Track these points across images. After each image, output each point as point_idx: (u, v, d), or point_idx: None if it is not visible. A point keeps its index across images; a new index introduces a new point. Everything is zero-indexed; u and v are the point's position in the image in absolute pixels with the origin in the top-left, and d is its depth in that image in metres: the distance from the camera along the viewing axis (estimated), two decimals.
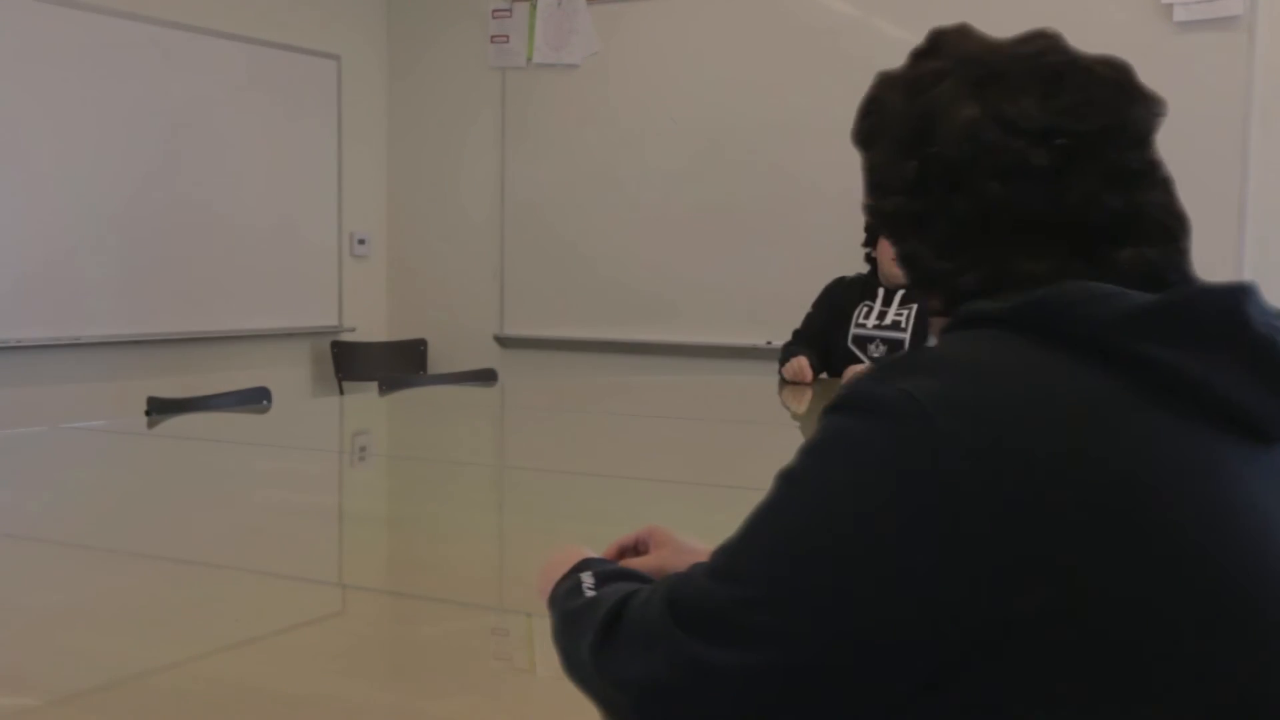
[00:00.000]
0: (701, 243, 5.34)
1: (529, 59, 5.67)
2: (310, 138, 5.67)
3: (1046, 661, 0.73)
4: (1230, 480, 0.79)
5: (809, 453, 0.84)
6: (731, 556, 0.87)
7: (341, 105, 5.80)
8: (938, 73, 1.03)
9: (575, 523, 1.87)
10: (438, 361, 5.97)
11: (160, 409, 3.05)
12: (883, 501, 0.77)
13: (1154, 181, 0.92)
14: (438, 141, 5.97)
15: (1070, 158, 0.90)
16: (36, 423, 3.01)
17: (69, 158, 4.73)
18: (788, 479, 0.86)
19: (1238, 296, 0.82)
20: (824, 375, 4.13)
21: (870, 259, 4.18)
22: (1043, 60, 1.02)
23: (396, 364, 5.81)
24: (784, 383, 3.92)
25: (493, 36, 5.74)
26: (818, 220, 5.10)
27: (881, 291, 4.05)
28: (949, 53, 1.07)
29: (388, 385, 3.74)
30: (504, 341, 5.84)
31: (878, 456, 0.78)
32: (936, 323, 0.96)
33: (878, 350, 3.95)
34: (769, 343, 5.08)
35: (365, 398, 3.99)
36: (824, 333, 4.13)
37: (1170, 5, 4.41)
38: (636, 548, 1.15)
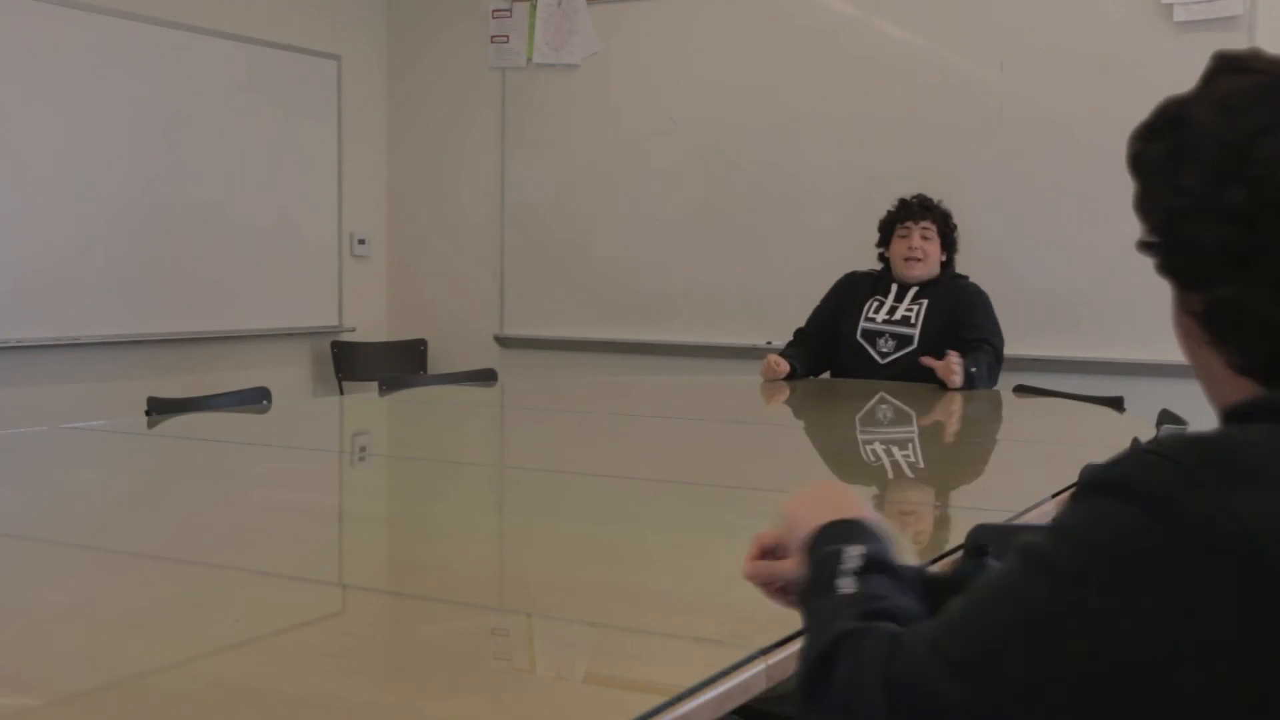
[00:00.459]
0: (701, 243, 5.34)
1: (529, 59, 5.67)
2: (310, 138, 5.67)
3: None
4: None
5: (1080, 544, 0.71)
6: (968, 643, 0.75)
7: (341, 105, 5.80)
8: (1260, 88, 0.84)
9: (575, 523, 1.87)
10: (438, 361, 5.97)
11: (160, 409, 3.05)
12: (1192, 650, 0.66)
13: None
14: (438, 141, 5.97)
15: None
16: (36, 423, 3.01)
17: (69, 158, 4.73)
18: (1046, 567, 0.73)
19: None
20: (827, 374, 4.14)
21: (883, 258, 4.18)
22: None
23: (396, 364, 5.81)
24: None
25: (493, 36, 5.74)
26: (817, 220, 5.10)
27: (894, 287, 4.06)
28: (1261, 68, 0.87)
29: (388, 385, 3.74)
30: (504, 341, 5.84)
31: (1194, 594, 0.66)
32: (1222, 388, 0.83)
33: (887, 344, 3.95)
34: (769, 343, 5.08)
35: (365, 398, 3.99)
36: (831, 326, 4.13)
37: (1170, 5, 4.41)
38: (776, 552, 1.06)
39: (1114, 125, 5.19)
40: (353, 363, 5.80)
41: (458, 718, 1.04)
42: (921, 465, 2.53)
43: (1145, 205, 0.87)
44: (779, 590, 1.04)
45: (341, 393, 5.69)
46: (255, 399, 3.32)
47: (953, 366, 3.63)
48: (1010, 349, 4.08)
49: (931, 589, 0.94)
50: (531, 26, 5.64)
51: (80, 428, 2.80)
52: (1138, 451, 0.75)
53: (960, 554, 1.61)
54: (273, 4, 5.52)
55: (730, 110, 5.24)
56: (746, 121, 5.21)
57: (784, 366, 3.91)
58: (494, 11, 5.73)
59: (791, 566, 1.02)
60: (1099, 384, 4.33)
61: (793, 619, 1.27)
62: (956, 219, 4.18)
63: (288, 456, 2.59)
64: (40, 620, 1.33)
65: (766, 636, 1.20)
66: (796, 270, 5.08)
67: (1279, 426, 0.74)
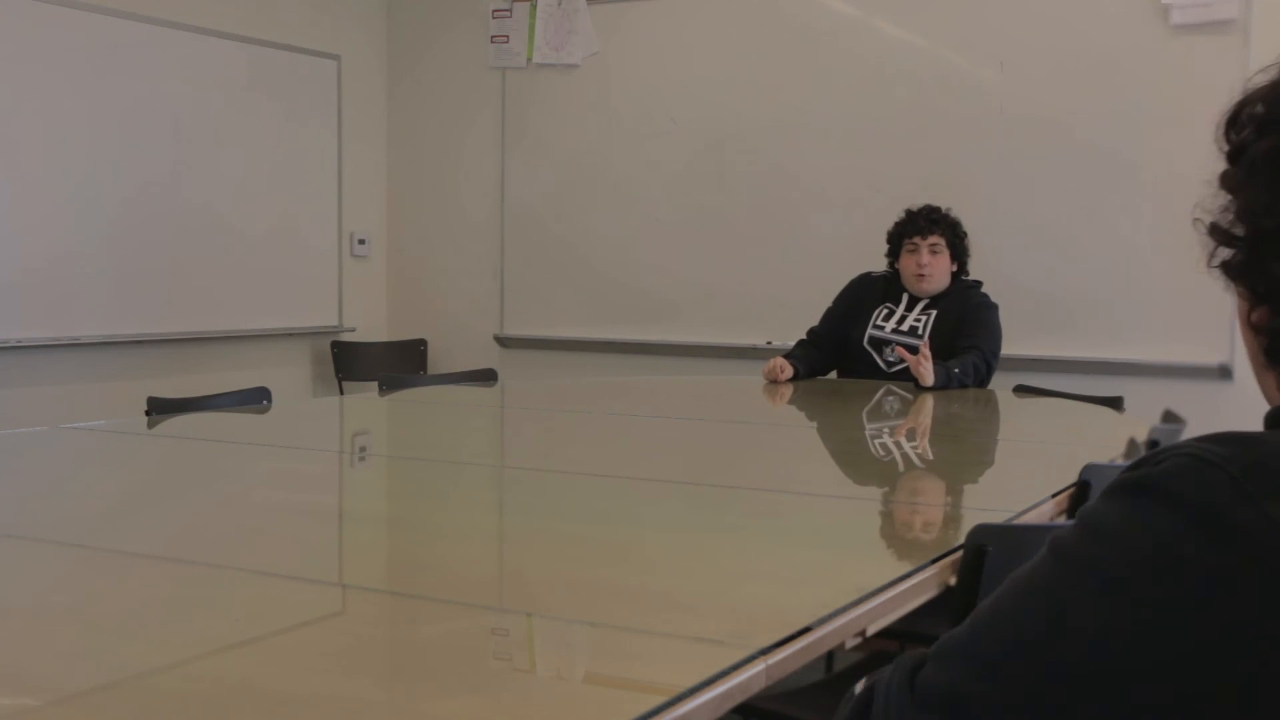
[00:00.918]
0: (701, 243, 5.34)
1: (529, 59, 5.67)
2: (310, 138, 5.67)
3: None
4: None
5: (1118, 549, 0.70)
6: (997, 645, 0.74)
7: (341, 105, 5.80)
8: None
9: (575, 523, 1.87)
10: (438, 361, 5.97)
11: (160, 409, 3.05)
12: (1230, 665, 0.65)
13: None
14: (438, 141, 5.97)
15: None
16: (36, 423, 3.01)
17: (69, 157, 4.73)
18: (1082, 570, 0.72)
19: None
20: (834, 374, 4.14)
21: (893, 267, 4.14)
22: None
23: (396, 364, 5.82)
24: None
25: (493, 36, 5.75)
26: (818, 220, 5.11)
27: (905, 296, 4.04)
28: None
29: (388, 385, 3.75)
30: (504, 341, 5.84)
31: (1237, 609, 0.66)
32: (1272, 391, 0.81)
33: (893, 353, 3.94)
34: (769, 343, 5.09)
35: (365, 398, 3.99)
36: (842, 329, 4.11)
37: (1167, 8, 4.42)
38: None
39: (1113, 126, 5.21)
40: (353, 363, 5.80)
41: (458, 718, 1.05)
42: (921, 465, 2.53)
43: (1240, 203, 0.81)
44: None
45: (341, 393, 5.69)
46: (255, 399, 3.32)
47: (921, 365, 3.61)
48: (1010, 349, 4.07)
49: None
50: (531, 26, 5.65)
51: (80, 428, 2.80)
52: (1180, 453, 0.72)
53: (960, 554, 1.62)
54: (273, 4, 5.52)
55: (730, 110, 5.24)
56: (746, 121, 5.22)
57: (787, 371, 3.90)
58: (494, 11, 5.73)
59: None
60: (1099, 384, 4.33)
61: (793, 619, 1.27)
62: (955, 216, 4.15)
63: (288, 456, 2.59)
64: (40, 620, 1.33)
65: (766, 636, 1.20)
66: (797, 270, 5.09)
67: None
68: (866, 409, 3.47)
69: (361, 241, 5.98)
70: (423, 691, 1.10)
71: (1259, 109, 0.81)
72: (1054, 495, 2.02)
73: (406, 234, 6.10)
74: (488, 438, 3.07)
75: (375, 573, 1.63)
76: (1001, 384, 3.93)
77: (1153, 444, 2.63)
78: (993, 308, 4.01)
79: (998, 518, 1.81)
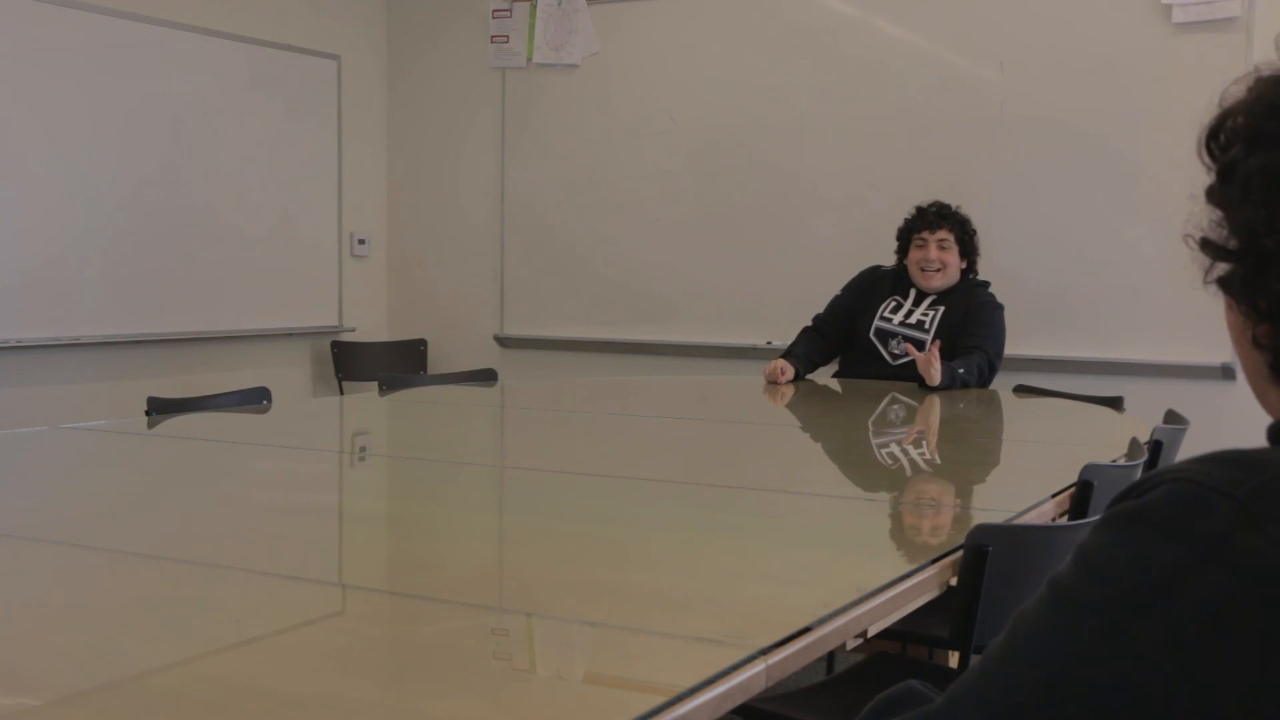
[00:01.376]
0: (701, 243, 5.34)
1: (529, 59, 5.67)
2: (310, 138, 5.67)
3: None
4: None
5: (1118, 585, 0.67)
6: (1007, 692, 0.72)
7: (341, 105, 5.80)
8: None
9: (575, 523, 1.87)
10: (438, 361, 5.97)
11: (160, 409, 3.05)
12: (1237, 699, 0.64)
13: None
14: (438, 141, 5.97)
15: None
16: (36, 423, 3.01)
17: (69, 157, 4.73)
18: (1081, 608, 0.70)
19: None
20: (836, 374, 4.13)
21: (902, 263, 4.14)
22: None
23: (396, 364, 5.82)
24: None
25: (493, 36, 5.75)
26: (817, 220, 5.10)
27: (913, 291, 4.04)
28: None
29: (388, 385, 3.74)
30: (504, 341, 5.84)
31: (1243, 642, 0.64)
32: (1272, 403, 0.79)
33: (898, 346, 3.94)
34: (769, 343, 5.09)
35: (365, 398, 3.99)
36: (847, 318, 4.11)
37: (1169, 6, 4.42)
38: None
39: (1113, 125, 5.19)
40: (353, 363, 5.80)
41: (458, 718, 1.04)
42: (921, 465, 2.53)
43: (1236, 220, 0.79)
44: None
45: (341, 393, 5.69)
46: (255, 399, 3.32)
47: (932, 361, 3.62)
48: (1010, 349, 4.07)
49: None
50: (531, 26, 5.64)
51: (80, 428, 2.80)
52: (1178, 478, 0.69)
53: (961, 554, 1.61)
54: (273, 4, 5.52)
55: (730, 110, 5.24)
56: (746, 121, 5.22)
57: (788, 373, 3.90)
58: (494, 11, 5.73)
59: None
60: (1099, 384, 4.33)
61: (793, 619, 1.27)
62: (965, 213, 4.15)
63: (288, 456, 2.59)
64: (40, 620, 1.33)
65: (766, 636, 1.20)
66: (797, 270, 5.08)
67: None
68: (867, 410, 3.47)
69: (361, 241, 5.98)
70: (423, 691, 1.10)
71: (1241, 121, 0.80)
72: (1054, 495, 2.02)
73: (406, 234, 6.10)
74: (488, 438, 3.07)
75: (375, 573, 1.62)
76: (1002, 384, 3.93)
77: (1155, 444, 2.63)
78: (998, 308, 4.01)
79: (998, 518, 1.81)
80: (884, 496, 2.20)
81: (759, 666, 1.15)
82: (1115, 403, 3.50)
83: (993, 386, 3.87)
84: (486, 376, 4.07)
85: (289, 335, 5.67)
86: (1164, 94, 4.40)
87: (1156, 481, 0.71)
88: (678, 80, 5.36)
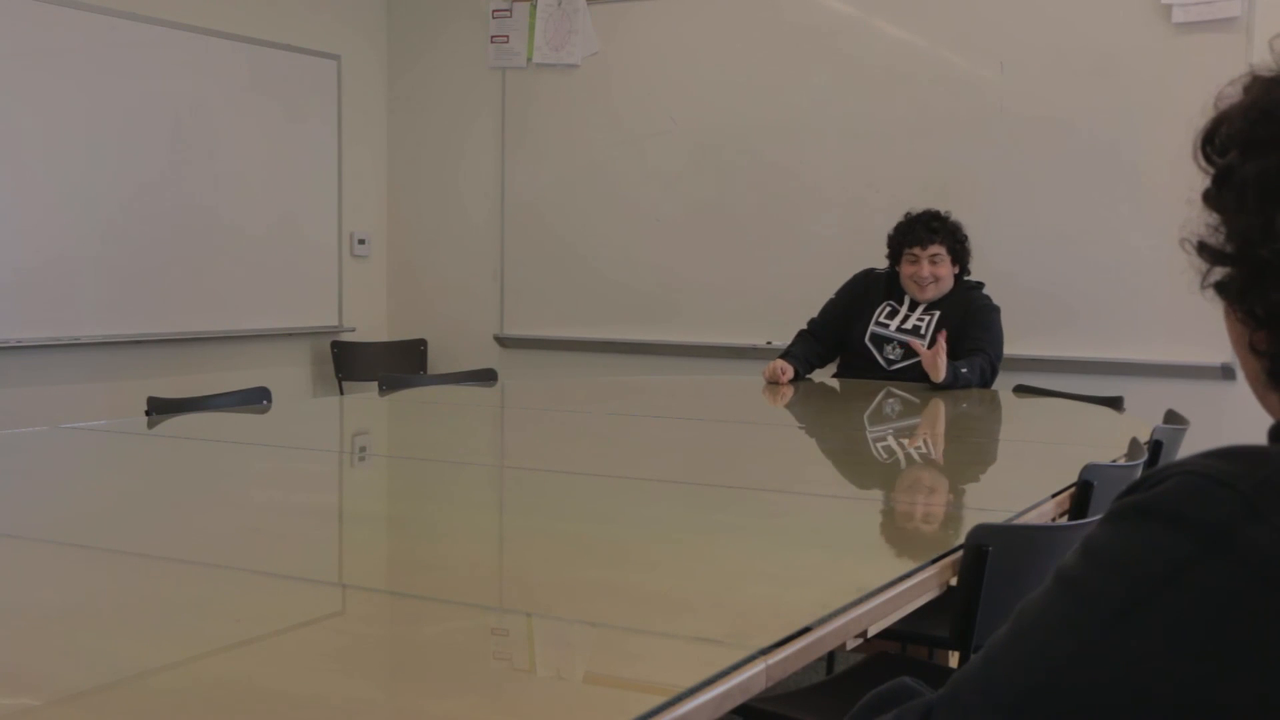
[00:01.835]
0: (701, 243, 5.34)
1: (529, 59, 5.67)
2: (310, 138, 5.67)
3: None
4: None
5: (1127, 575, 0.68)
6: (1012, 682, 0.73)
7: (341, 105, 5.80)
8: None
9: (575, 523, 1.87)
10: (438, 361, 5.97)
11: (160, 409, 3.05)
12: (1244, 691, 0.64)
13: None
14: (438, 141, 5.97)
15: None
16: (36, 423, 3.01)
17: (69, 157, 4.73)
18: (1089, 599, 0.70)
19: None
20: (834, 375, 4.13)
21: (894, 271, 4.13)
22: None
23: (396, 364, 5.82)
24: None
25: (493, 36, 5.75)
26: (817, 219, 5.10)
27: (908, 296, 4.04)
28: None
29: (388, 385, 3.74)
30: (504, 341, 5.84)
31: (1251, 634, 0.64)
32: (1272, 404, 0.78)
33: (894, 351, 3.94)
34: (769, 343, 5.09)
35: (365, 398, 3.99)
36: (842, 322, 4.11)
37: (1169, 6, 4.42)
38: None
39: (1113, 126, 5.19)
40: (353, 363, 5.80)
41: (458, 718, 1.04)
42: (921, 465, 2.53)
43: (1233, 227, 0.78)
44: None
45: (341, 393, 5.69)
46: (255, 399, 3.32)
47: (938, 359, 3.62)
48: (1010, 349, 4.07)
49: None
50: (531, 26, 5.64)
51: (80, 428, 2.80)
52: (1184, 472, 0.70)
53: (961, 554, 1.61)
54: (273, 4, 5.52)
55: (730, 110, 5.24)
56: (746, 121, 5.22)
57: (788, 373, 3.90)
58: (494, 11, 5.73)
59: None
60: (1099, 384, 4.33)
61: (793, 619, 1.27)
62: (956, 219, 4.14)
63: (288, 456, 2.59)
64: (40, 620, 1.33)
65: (766, 636, 1.20)
66: (797, 270, 5.08)
67: None
68: (866, 409, 3.47)
69: (361, 241, 5.98)
70: (423, 691, 1.10)
71: (1237, 125, 0.79)
72: (1054, 495, 2.02)
73: (406, 234, 6.10)
74: (487, 438, 3.07)
75: (375, 573, 1.62)
76: (1002, 384, 3.93)
77: (1155, 444, 2.63)
78: (995, 310, 4.01)
79: (998, 517, 1.81)
80: (884, 496, 2.19)
81: (759, 666, 1.15)
82: (1115, 403, 3.50)
83: (993, 387, 3.87)
84: (486, 376, 4.07)
85: (289, 335, 5.67)
86: (1164, 94, 4.40)
87: (1164, 475, 0.72)
88: (678, 80, 5.36)
